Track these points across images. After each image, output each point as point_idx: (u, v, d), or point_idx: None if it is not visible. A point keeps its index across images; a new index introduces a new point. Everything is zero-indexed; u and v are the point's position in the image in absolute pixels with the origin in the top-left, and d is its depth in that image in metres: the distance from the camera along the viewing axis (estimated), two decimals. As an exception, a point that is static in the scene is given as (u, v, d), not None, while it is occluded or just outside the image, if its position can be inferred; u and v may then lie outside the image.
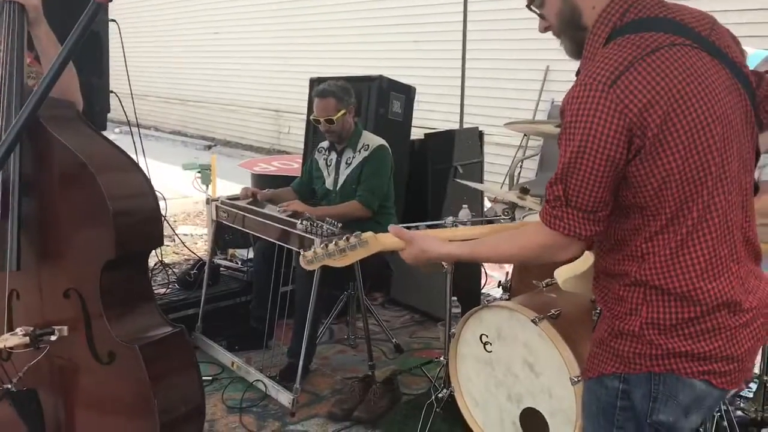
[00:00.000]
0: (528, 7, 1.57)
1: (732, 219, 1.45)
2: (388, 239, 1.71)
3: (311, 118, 3.72)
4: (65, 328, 2.02)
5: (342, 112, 3.56)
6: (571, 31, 1.52)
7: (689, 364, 1.42)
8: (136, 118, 3.41)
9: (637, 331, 1.44)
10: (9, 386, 1.97)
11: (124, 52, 3.40)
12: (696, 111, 1.37)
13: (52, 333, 1.98)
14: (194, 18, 13.32)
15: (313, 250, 1.68)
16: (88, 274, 2.02)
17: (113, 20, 3.33)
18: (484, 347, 2.74)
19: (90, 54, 3.10)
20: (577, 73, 1.50)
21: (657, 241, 1.42)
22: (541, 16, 1.55)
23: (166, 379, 2.05)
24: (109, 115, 3.64)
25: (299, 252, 3.23)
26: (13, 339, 1.90)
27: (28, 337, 1.92)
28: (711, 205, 1.41)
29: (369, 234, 1.69)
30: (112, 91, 3.51)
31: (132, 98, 3.50)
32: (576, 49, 1.54)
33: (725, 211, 1.43)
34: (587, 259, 1.68)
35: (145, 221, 2.12)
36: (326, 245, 1.66)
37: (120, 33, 3.37)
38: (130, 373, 2.00)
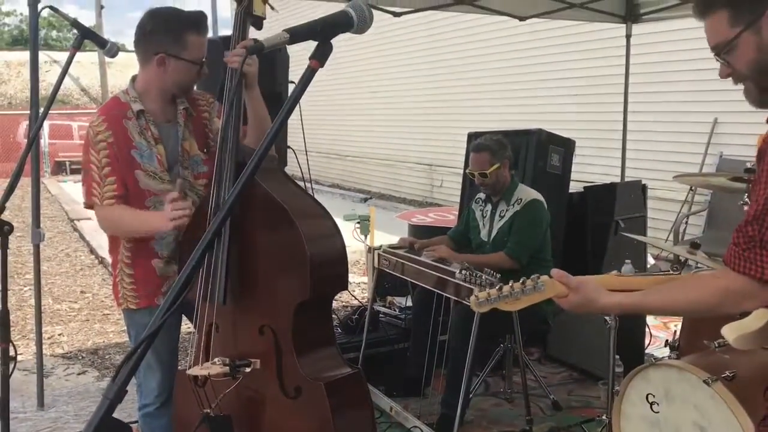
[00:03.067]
0: (716, 55, 1.53)
1: None
2: (556, 285, 1.61)
3: (467, 171, 3.83)
4: (258, 361, 2.19)
5: (496, 166, 3.63)
6: (765, 80, 1.49)
7: None
8: (310, 173, 3.65)
9: None
10: (208, 411, 2.17)
11: (300, 111, 3.68)
12: None
13: (249, 365, 2.16)
14: (352, 78, 14.06)
15: (486, 291, 1.61)
16: (282, 313, 2.19)
17: (292, 81, 3.62)
18: (651, 407, 2.63)
19: (273, 112, 3.39)
20: None
21: None
22: (726, 63, 1.52)
23: (345, 416, 2.18)
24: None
25: (456, 300, 3.30)
26: (215, 368, 2.11)
27: (227, 367, 2.11)
28: None
29: (546, 278, 1.60)
30: (289, 147, 3.80)
31: (306, 154, 3.75)
32: (763, 98, 1.51)
33: None
34: (761, 315, 1.57)
35: (335, 264, 2.28)
36: (501, 287, 1.59)
37: (298, 95, 3.66)
38: (314, 408, 2.14)
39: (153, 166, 2.41)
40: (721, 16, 1.49)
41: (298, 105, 3.85)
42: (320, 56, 1.18)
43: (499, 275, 3.09)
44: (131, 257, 2.47)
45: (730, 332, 1.63)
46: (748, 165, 2.74)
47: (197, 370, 2.15)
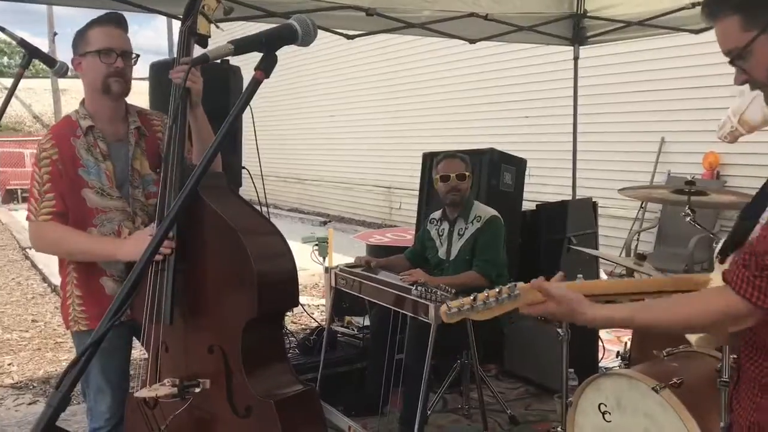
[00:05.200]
0: (730, 62, 1.46)
1: None
2: (531, 292, 1.53)
3: (438, 176, 3.73)
4: (208, 381, 2.17)
5: (468, 174, 3.69)
6: None
7: None
8: (265, 196, 3.65)
9: None
10: None
11: (255, 133, 3.70)
12: None
13: (197, 385, 2.14)
14: (311, 102, 14.13)
15: (460, 300, 1.52)
16: (231, 332, 2.17)
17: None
18: (603, 416, 2.68)
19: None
20: None
21: None
22: (742, 69, 1.44)
23: (298, 434, 2.15)
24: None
25: (413, 317, 3.31)
26: (163, 389, 2.07)
27: (176, 388, 2.08)
28: None
29: (522, 285, 1.52)
30: (244, 167, 3.80)
31: (262, 177, 3.74)
32: None
33: None
34: None
35: (284, 281, 2.27)
36: (475, 297, 1.51)
37: (252, 116, 3.67)
38: (265, 427, 2.12)
39: (101, 182, 2.39)
40: (732, 21, 1.41)
41: (253, 127, 3.83)
42: (265, 67, 1.21)
43: (453, 290, 3.13)
44: (78, 277, 2.44)
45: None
46: (689, 177, 2.84)
47: (145, 392, 2.11)
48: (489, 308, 1.51)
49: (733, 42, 1.41)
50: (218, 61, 3.63)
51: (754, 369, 1.45)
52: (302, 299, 6.58)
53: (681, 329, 1.54)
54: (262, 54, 1.23)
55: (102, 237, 2.38)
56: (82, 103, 2.46)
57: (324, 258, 6.21)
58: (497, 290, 1.51)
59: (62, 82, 21.80)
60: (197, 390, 2.16)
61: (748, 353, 1.47)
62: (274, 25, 1.31)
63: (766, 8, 1.37)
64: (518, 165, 4.56)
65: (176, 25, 2.66)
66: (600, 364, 4.29)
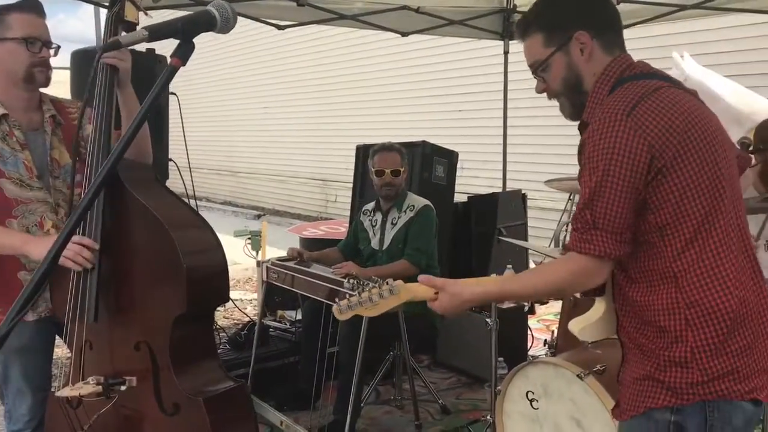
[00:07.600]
0: (533, 73, 1.70)
1: (745, 233, 1.55)
2: (419, 288, 1.68)
3: (374, 169, 3.76)
4: (134, 378, 2.11)
5: (403, 168, 3.70)
6: (574, 95, 1.66)
7: (738, 386, 1.46)
8: (194, 188, 3.57)
9: (688, 358, 1.47)
10: None
11: (183, 125, 3.60)
12: (705, 132, 1.50)
13: (123, 383, 2.08)
14: (244, 94, 13.91)
15: (347, 299, 1.64)
16: (159, 328, 2.12)
17: (173, 93, 3.52)
18: (531, 404, 2.74)
19: (152, 123, 3.27)
20: (581, 125, 1.64)
21: (686, 258, 1.48)
22: (542, 79, 1.68)
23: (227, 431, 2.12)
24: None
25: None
26: (87, 387, 2.00)
27: (100, 386, 2.01)
28: (732, 218, 1.51)
29: (399, 282, 1.65)
30: (170, 159, 3.70)
31: (190, 169, 3.66)
32: (573, 111, 1.68)
33: (742, 225, 1.54)
34: (598, 306, 1.72)
35: (214, 277, 2.23)
36: (359, 293, 1.64)
37: (180, 106, 3.58)
38: (194, 424, 2.08)
39: (19, 172, 2.29)
40: (537, 38, 1.66)
41: (180, 119, 3.71)
42: (182, 54, 1.17)
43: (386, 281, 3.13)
44: None
45: (575, 326, 1.75)
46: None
47: (67, 391, 2.04)
48: (375, 304, 1.63)
49: (536, 56, 1.67)
50: (143, 50, 3.54)
51: (632, 328, 1.59)
52: (235, 294, 6.48)
53: (544, 293, 1.76)
54: (177, 39, 1.20)
55: (13, 231, 2.27)
56: None
57: (257, 252, 6.12)
58: (378, 287, 1.63)
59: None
60: (123, 388, 2.11)
61: (627, 317, 1.62)
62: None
63: (563, 31, 1.62)
64: (450, 158, 4.61)
65: (103, 13, 2.57)
66: (529, 353, 4.39)
